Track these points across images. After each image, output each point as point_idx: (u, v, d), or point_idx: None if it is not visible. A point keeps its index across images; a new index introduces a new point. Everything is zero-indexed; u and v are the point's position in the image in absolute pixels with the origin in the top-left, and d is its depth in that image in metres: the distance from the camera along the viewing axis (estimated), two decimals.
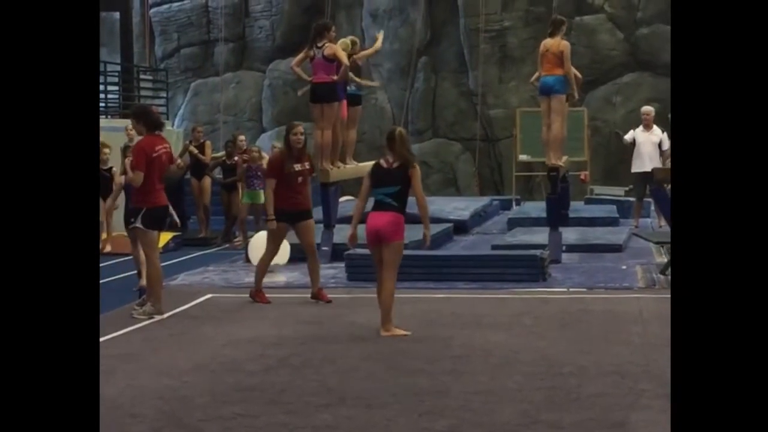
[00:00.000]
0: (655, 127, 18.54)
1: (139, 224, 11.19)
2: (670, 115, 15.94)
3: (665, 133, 18.01)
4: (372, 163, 10.83)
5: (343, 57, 14.86)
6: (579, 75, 15.71)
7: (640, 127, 18.71)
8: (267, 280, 13.89)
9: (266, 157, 20.25)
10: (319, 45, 14.88)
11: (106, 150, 16.69)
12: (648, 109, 18.97)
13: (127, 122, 17.09)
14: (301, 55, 15.36)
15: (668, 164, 15.63)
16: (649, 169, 17.40)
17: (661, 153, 18.00)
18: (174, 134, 24.85)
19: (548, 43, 14.99)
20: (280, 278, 13.99)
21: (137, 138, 12.56)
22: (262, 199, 18.61)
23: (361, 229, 10.36)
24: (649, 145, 18.27)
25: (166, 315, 11.19)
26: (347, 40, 15.78)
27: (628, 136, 18.85)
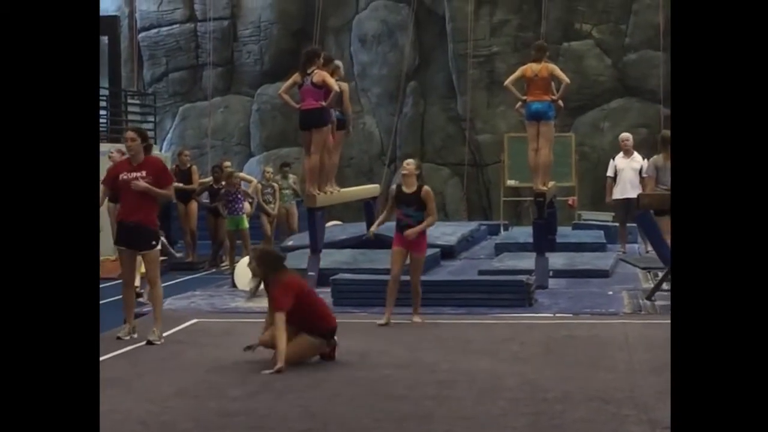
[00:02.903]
0: (635, 153, 18.58)
1: (159, 245, 11.22)
2: (659, 137, 15.98)
3: (645, 160, 17.83)
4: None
5: (333, 84, 14.86)
6: (561, 104, 15.74)
7: (620, 154, 18.74)
8: (254, 304, 13.87)
9: (254, 180, 20.33)
10: (309, 72, 14.87)
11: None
12: (626, 135, 18.99)
13: (115, 146, 17.11)
14: (289, 82, 15.32)
15: (647, 189, 15.60)
16: (630, 196, 17.46)
17: (641, 180, 17.95)
18: (162, 158, 24.82)
19: (535, 68, 15.01)
20: (266, 303, 13.92)
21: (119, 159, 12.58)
22: (246, 225, 18.66)
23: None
24: (630, 172, 18.30)
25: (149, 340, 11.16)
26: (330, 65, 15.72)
27: (609, 172, 18.81)
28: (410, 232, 12.07)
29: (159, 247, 11.19)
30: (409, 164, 12.34)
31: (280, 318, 9.54)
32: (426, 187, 12.28)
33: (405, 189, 12.21)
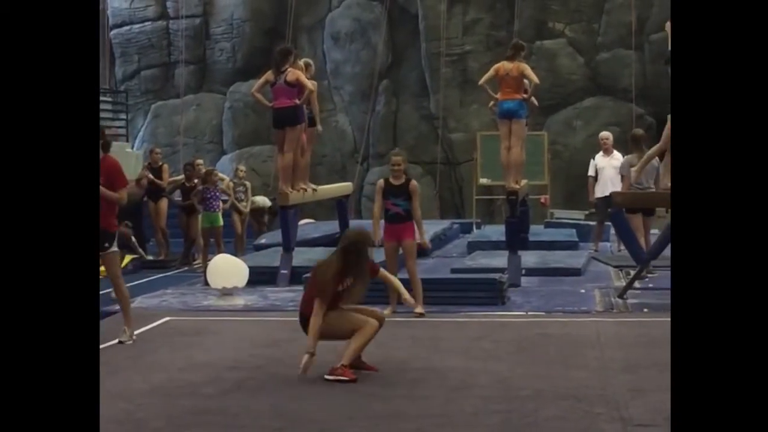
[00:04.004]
0: (615, 152, 18.63)
1: (116, 247, 11.05)
2: (630, 135, 16.09)
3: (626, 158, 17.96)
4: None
5: (307, 83, 14.87)
6: (536, 102, 15.77)
7: (600, 153, 18.79)
8: (224, 303, 13.88)
9: (226, 179, 20.29)
10: (282, 70, 14.86)
11: None
12: (606, 134, 19.04)
13: None
14: (261, 81, 15.34)
15: (622, 188, 15.69)
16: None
17: (622, 178, 17.98)
18: (133, 156, 24.77)
19: (507, 67, 15.03)
20: (238, 301, 13.96)
21: None
22: (221, 222, 18.63)
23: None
24: (610, 170, 18.33)
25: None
26: (300, 62, 15.70)
27: (590, 171, 18.85)
28: (425, 242, 13.24)
29: (114, 248, 11.01)
30: (399, 159, 12.75)
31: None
32: (414, 181, 12.88)
33: (393, 181, 12.71)
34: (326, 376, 8.86)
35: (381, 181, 12.91)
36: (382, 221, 12.74)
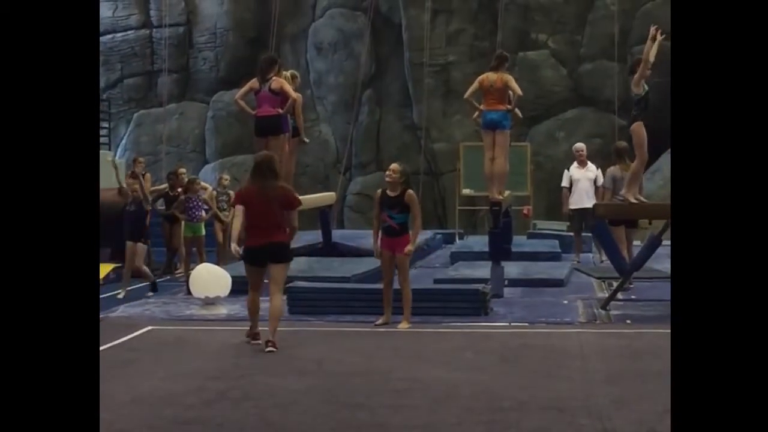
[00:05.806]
0: (589, 163, 18.66)
1: None
2: (613, 147, 16.12)
3: (599, 170, 18.06)
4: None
5: (291, 91, 14.86)
6: (519, 114, 15.79)
7: (574, 164, 18.78)
8: (207, 312, 13.85)
9: (208, 188, 20.23)
10: (267, 78, 14.86)
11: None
12: (581, 146, 19.04)
13: None
14: (245, 88, 15.31)
15: (605, 200, 15.72)
16: (586, 205, 17.54)
17: (596, 189, 17.98)
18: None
19: (492, 78, 15.02)
20: (221, 310, 13.93)
21: None
22: (204, 231, 18.58)
23: None
24: (585, 182, 18.36)
25: (105, 347, 11.07)
26: (287, 73, 15.71)
27: (564, 182, 18.84)
28: (409, 249, 12.53)
29: None
30: (394, 170, 12.67)
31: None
32: (410, 191, 12.60)
33: (389, 192, 12.56)
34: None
35: (378, 192, 12.78)
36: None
